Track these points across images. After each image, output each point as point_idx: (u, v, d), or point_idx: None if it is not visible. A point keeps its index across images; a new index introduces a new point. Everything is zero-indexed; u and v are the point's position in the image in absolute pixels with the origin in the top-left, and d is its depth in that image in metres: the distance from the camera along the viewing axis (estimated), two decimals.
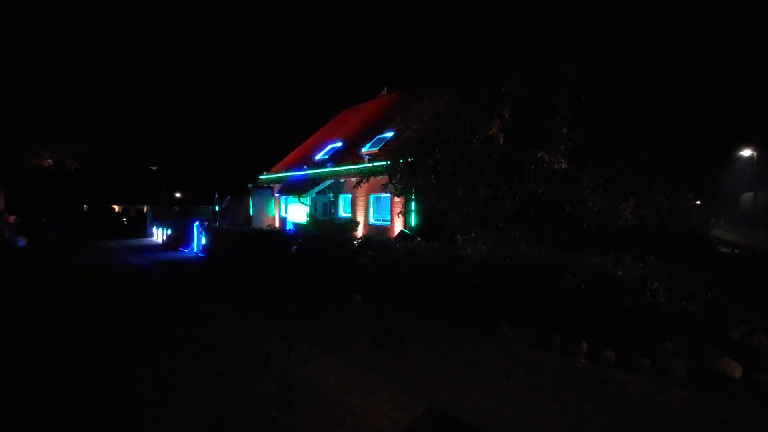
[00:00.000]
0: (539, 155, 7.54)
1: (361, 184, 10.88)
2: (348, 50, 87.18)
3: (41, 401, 4.11)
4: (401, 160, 9.81)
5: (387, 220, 15.23)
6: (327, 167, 17.90)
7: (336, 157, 18.78)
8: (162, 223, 24.87)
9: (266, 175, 22.59)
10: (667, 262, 5.45)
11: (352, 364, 4.99)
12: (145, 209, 31.59)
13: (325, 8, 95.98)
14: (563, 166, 7.53)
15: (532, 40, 8.14)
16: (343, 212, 17.75)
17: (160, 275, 12.33)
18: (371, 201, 16.11)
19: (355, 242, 9.65)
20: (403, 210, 11.14)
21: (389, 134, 16.22)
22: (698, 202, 8.79)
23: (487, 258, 6.81)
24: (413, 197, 10.81)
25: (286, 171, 20.89)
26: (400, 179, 9.63)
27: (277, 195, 20.64)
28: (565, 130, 7.55)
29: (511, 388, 4.36)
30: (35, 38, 12.16)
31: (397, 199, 11.84)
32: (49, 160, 13.43)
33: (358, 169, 13.12)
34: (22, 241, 14.35)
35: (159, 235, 25.01)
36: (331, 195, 18.18)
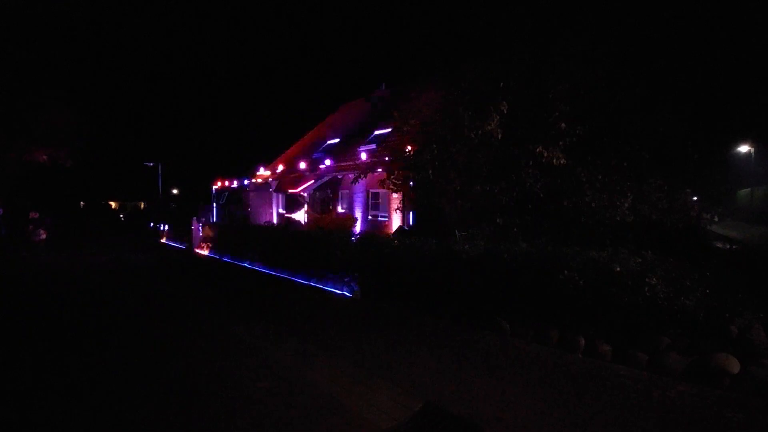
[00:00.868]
0: (538, 150, 7.51)
1: (359, 179, 10.84)
2: (346, 46, 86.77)
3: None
4: (399, 156, 9.77)
5: (385, 216, 15.19)
6: (325, 163, 17.83)
7: (334, 153, 18.70)
8: (159, 219, 24.79)
9: (264, 170, 22.49)
10: (664, 257, 5.44)
11: (349, 359, 4.98)
12: (142, 206, 31.50)
13: (322, 3, 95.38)
14: (562, 162, 7.50)
15: (531, 33, 8.09)
16: (341, 208, 17.70)
17: (160, 271, 12.27)
18: (369, 197, 16.07)
19: (353, 238, 9.62)
20: (401, 206, 11.11)
21: (387, 130, 16.16)
22: (695, 198, 8.78)
23: (484, 253, 6.79)
24: (411, 193, 10.78)
25: (284, 167, 20.80)
26: (398, 175, 9.60)
27: (275, 191, 20.56)
28: (563, 125, 7.52)
29: (508, 383, 4.35)
30: (31, 33, 12.03)
31: (395, 195, 11.80)
32: (44, 156, 13.30)
33: (355, 164, 13.07)
34: (42, 235, 15.71)
35: (156, 230, 24.94)
36: (329, 190, 18.12)
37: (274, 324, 6.53)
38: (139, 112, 63.13)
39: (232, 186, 23.09)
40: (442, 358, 5.04)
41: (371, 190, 15.79)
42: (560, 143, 7.56)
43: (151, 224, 26.22)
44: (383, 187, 10.16)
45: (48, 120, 12.42)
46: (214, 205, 23.56)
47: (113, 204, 48.76)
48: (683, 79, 8.07)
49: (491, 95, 7.98)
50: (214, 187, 25.38)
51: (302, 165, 19.10)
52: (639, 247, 5.78)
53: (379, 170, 10.64)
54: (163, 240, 22.18)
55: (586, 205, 7.62)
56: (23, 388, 4.33)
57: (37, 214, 15.61)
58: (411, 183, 10.21)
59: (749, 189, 27.15)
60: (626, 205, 7.51)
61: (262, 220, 20.71)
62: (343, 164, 16.57)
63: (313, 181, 17.62)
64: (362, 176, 10.81)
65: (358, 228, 15.28)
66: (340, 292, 8.93)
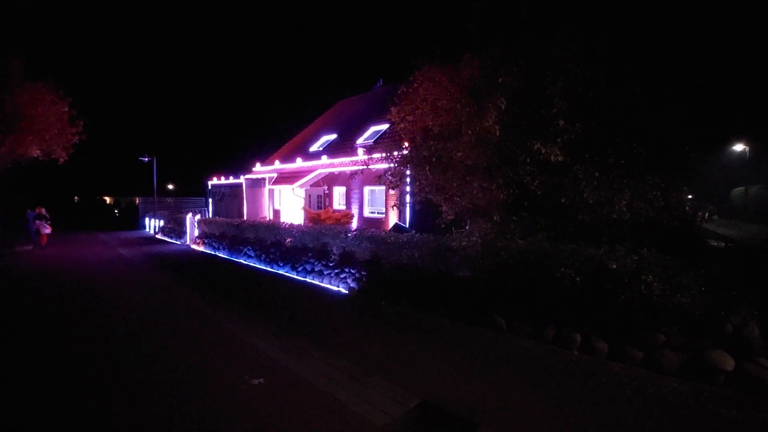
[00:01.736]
0: (536, 147, 7.48)
1: (356, 176, 10.77)
2: (344, 41, 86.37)
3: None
4: (396, 152, 9.72)
5: (382, 213, 15.16)
6: (321, 159, 17.76)
7: (331, 149, 18.62)
8: (154, 215, 24.61)
9: (260, 166, 22.38)
10: (661, 255, 5.45)
11: (346, 357, 4.96)
12: (137, 201, 31.27)
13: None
14: (560, 159, 7.47)
15: (530, 28, 8.04)
16: (338, 204, 17.65)
17: (155, 266, 12.19)
18: (366, 193, 16.03)
19: (349, 234, 9.59)
20: (398, 202, 11.07)
21: (384, 126, 16.09)
22: (690, 196, 8.80)
23: (481, 250, 6.78)
24: (408, 189, 10.75)
25: (280, 163, 20.70)
26: (395, 171, 9.56)
27: (271, 187, 20.47)
28: (561, 122, 7.48)
29: (504, 379, 4.35)
30: (24, 27, 11.82)
31: (392, 192, 11.76)
32: (37, 151, 13.11)
33: (352, 161, 13.00)
34: (47, 229, 16.22)
35: (151, 226, 24.78)
36: (326, 187, 18.06)
37: (269, 320, 6.50)
38: (134, 107, 62.68)
39: (228, 182, 22.97)
40: (438, 355, 5.03)
41: (368, 187, 15.75)
42: (558, 140, 7.53)
43: (147, 219, 26.05)
44: (380, 184, 10.13)
45: (42, 114, 12.24)
46: (210, 200, 23.44)
47: (108, 199, 48.46)
48: (682, 79, 8.05)
49: (489, 91, 7.93)
50: (210, 183, 25.26)
51: (299, 161, 19.01)
52: (636, 245, 5.78)
53: (376, 167, 10.60)
54: (159, 236, 22.05)
55: (584, 202, 7.60)
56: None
57: (44, 209, 16.17)
58: (408, 179, 10.17)
59: (743, 187, 27.37)
60: (623, 202, 7.50)
61: (258, 216, 20.63)
62: (339, 161, 16.51)
63: (309, 178, 17.56)
64: (359, 172, 10.76)
65: (354, 224, 15.25)
66: (337, 288, 8.90)
